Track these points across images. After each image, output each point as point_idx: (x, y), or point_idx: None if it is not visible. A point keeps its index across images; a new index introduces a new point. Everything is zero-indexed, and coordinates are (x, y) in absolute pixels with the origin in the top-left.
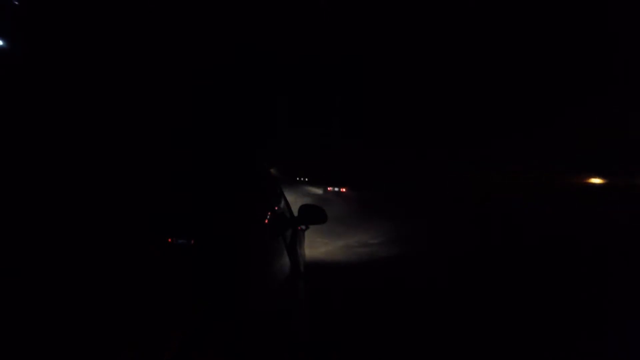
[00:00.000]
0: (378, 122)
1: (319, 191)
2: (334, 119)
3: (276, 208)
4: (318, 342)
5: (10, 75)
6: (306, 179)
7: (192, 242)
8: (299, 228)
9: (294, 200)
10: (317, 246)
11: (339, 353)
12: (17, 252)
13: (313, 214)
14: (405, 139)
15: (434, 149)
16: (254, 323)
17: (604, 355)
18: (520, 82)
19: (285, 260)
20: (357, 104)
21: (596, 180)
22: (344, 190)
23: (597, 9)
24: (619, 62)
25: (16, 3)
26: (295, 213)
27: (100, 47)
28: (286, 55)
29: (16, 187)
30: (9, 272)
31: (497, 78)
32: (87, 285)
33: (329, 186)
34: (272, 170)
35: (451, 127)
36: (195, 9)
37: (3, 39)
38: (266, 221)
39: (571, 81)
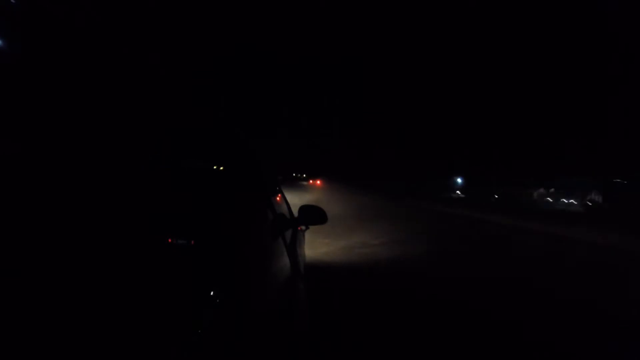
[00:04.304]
0: (375, 123)
1: (305, 183)
2: (334, 120)
3: (276, 208)
4: (318, 342)
5: (10, 75)
6: (302, 175)
7: (192, 242)
8: (299, 228)
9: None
10: (317, 246)
11: (339, 353)
12: (15, 252)
13: (313, 215)
14: (402, 140)
15: (428, 151)
16: (254, 324)
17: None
18: (520, 83)
19: (285, 260)
20: (355, 106)
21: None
22: (319, 182)
23: (597, 15)
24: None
25: (14, 2)
26: (296, 213)
27: (100, 47)
28: (286, 56)
29: (15, 188)
30: (9, 273)
31: (496, 79)
32: (86, 286)
33: (310, 179)
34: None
35: (449, 129)
36: (196, 9)
37: (3, 38)
38: (266, 222)
39: (571, 94)
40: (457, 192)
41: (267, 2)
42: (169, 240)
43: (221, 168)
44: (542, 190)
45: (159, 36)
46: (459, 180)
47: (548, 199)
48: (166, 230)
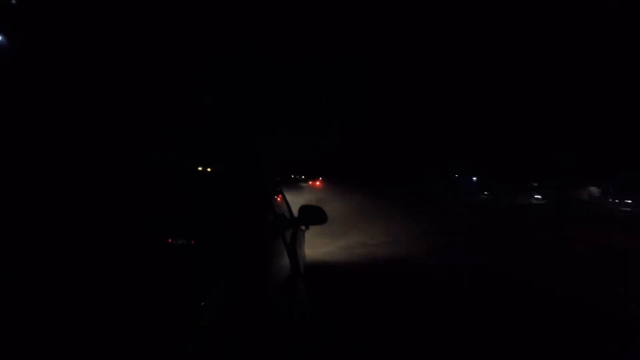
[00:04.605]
0: (375, 123)
1: (304, 184)
2: (334, 120)
3: (276, 208)
4: (318, 342)
5: (10, 74)
6: (301, 176)
7: (192, 242)
8: (299, 228)
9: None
10: (317, 246)
11: (339, 353)
12: (17, 252)
13: (313, 215)
14: (402, 140)
15: (426, 153)
16: (254, 323)
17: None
18: (520, 82)
19: (285, 260)
20: (355, 106)
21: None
22: (318, 183)
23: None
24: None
25: (14, 2)
26: (296, 213)
27: (100, 48)
28: (286, 56)
29: (16, 187)
30: (10, 273)
31: (496, 78)
32: (87, 286)
33: (310, 180)
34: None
35: (450, 129)
36: (196, 9)
37: (3, 37)
38: (266, 222)
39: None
40: (485, 192)
41: (267, 2)
42: (169, 240)
43: (208, 169)
44: (593, 189)
45: (159, 36)
46: (474, 179)
47: (611, 199)
48: (166, 230)
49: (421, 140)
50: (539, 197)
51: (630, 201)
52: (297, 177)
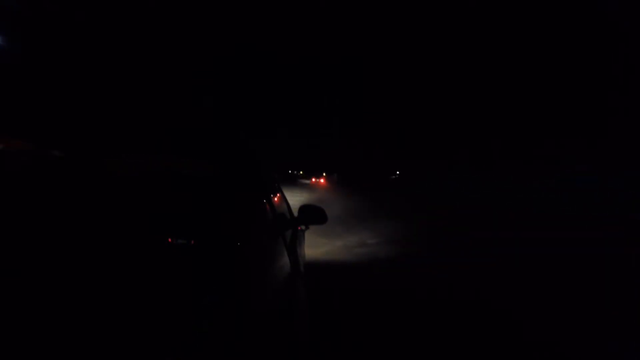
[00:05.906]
0: (375, 123)
1: (307, 181)
2: (334, 120)
3: (276, 208)
4: (318, 342)
5: (10, 74)
6: (300, 172)
7: (192, 242)
8: (299, 228)
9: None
10: (317, 246)
11: (339, 353)
12: (17, 252)
13: (313, 215)
14: (402, 140)
15: (423, 151)
16: (254, 323)
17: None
18: (520, 81)
19: (285, 260)
20: (355, 106)
21: None
22: (322, 180)
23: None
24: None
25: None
26: (296, 213)
27: (100, 48)
28: (286, 56)
29: (17, 187)
30: (10, 273)
31: (496, 78)
32: (87, 286)
33: (313, 177)
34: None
35: (447, 130)
36: (196, 9)
37: (3, 38)
38: (266, 222)
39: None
40: None
41: (267, 2)
42: (169, 240)
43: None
44: None
45: (159, 36)
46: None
47: None
48: (166, 230)
49: (421, 140)
50: None
51: None
52: (296, 172)
